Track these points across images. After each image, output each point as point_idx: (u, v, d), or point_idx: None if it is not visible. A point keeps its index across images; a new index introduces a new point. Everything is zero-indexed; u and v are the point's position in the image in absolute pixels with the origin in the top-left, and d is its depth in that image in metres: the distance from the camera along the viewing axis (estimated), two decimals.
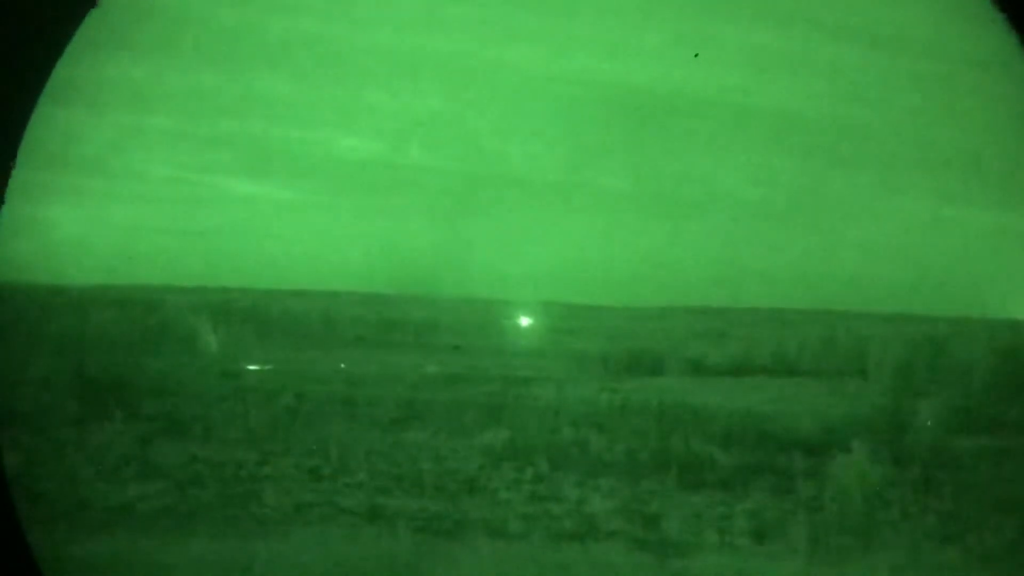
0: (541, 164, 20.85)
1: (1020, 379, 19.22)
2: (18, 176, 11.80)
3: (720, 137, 20.78)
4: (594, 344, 21.76)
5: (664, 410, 19.93)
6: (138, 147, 19.56)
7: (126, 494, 16.54)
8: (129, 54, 18.13)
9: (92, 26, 12.32)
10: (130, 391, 17.99)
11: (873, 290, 20.62)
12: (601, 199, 21.51)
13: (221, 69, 19.60)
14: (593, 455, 18.88)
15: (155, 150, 19.87)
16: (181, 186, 20.91)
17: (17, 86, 11.69)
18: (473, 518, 16.91)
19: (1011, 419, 19.14)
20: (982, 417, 19.35)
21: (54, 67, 11.99)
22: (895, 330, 21.44)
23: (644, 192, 21.48)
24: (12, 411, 17.23)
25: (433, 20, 20.29)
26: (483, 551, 16.31)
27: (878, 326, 21.89)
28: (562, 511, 17.80)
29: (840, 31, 20.02)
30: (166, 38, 18.86)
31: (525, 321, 21.07)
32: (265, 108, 20.00)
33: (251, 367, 19.29)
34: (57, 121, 16.64)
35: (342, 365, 19.47)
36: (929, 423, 19.24)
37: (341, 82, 20.25)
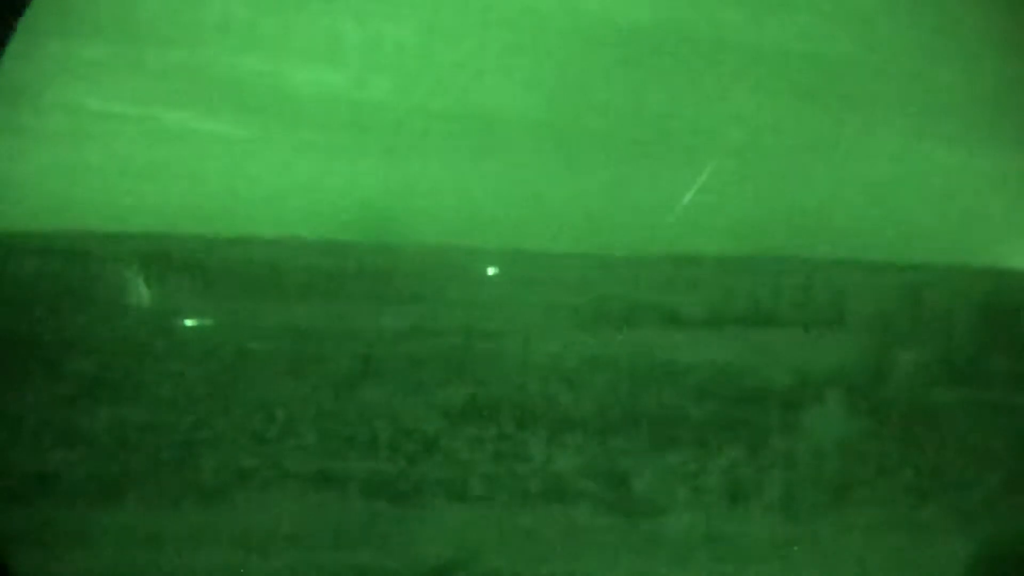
0: (511, 103, 20.19)
1: (1001, 329, 18.66)
2: None
3: (699, 78, 20.12)
4: (562, 294, 21.09)
5: (635, 363, 19.34)
6: (70, 78, 18.55)
7: (47, 461, 15.80)
8: None
9: None
10: (52, 349, 17.13)
11: (852, 237, 20.04)
12: (574, 141, 20.86)
13: None
14: (561, 412, 18.28)
15: (89, 81, 18.86)
16: (116, 122, 19.82)
17: None
18: (431, 480, 16.29)
19: (992, 370, 18.60)
20: (963, 368, 18.80)
21: None
22: (874, 279, 20.86)
23: (618, 134, 20.83)
24: None
25: None
26: (442, 515, 15.73)
27: (856, 274, 21.29)
28: (528, 471, 17.22)
29: None
30: None
31: (490, 270, 20.38)
32: (214, 35, 18.92)
33: (188, 322, 18.33)
34: None
35: (289, 318, 18.65)
36: (908, 374, 18.72)
37: (301, 8, 19.32)
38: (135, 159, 19.55)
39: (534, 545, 15.53)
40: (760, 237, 20.30)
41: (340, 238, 19.69)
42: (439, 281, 19.19)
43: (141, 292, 17.96)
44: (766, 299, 21.30)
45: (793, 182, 20.05)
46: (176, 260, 18.92)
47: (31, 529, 13.93)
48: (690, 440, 17.89)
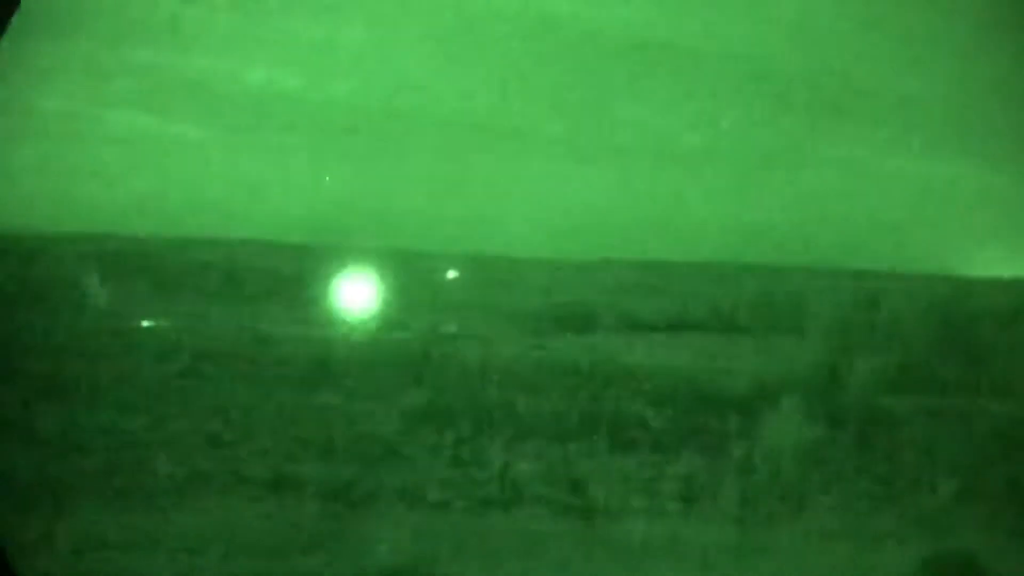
0: (471, 106, 20.16)
1: (958, 337, 18.77)
2: None
3: (658, 82, 20.16)
4: (522, 299, 21.11)
5: (595, 369, 19.39)
6: (26, 78, 18.46)
7: (0, 462, 15.69)
8: None
9: None
10: (5, 349, 17.03)
11: (810, 245, 20.10)
12: (533, 144, 20.86)
13: None
14: (519, 417, 18.31)
15: (41, 79, 18.77)
16: (69, 120, 19.71)
17: None
18: (389, 485, 16.28)
19: (949, 378, 18.71)
20: (919, 376, 18.90)
21: None
22: (832, 285, 20.95)
23: (578, 137, 20.84)
24: None
25: None
26: (399, 520, 15.75)
27: (815, 281, 21.37)
28: (485, 476, 17.24)
29: None
30: None
31: (450, 274, 20.40)
32: (169, 34, 18.84)
33: (144, 323, 18.23)
34: None
35: (247, 321, 18.60)
36: (865, 381, 18.81)
37: (257, 7, 19.27)
38: (91, 159, 19.47)
39: (491, 550, 15.56)
40: (719, 244, 20.38)
41: (299, 241, 19.68)
42: (398, 285, 19.15)
43: (97, 293, 17.87)
44: (725, 306, 21.37)
45: (752, 189, 20.13)
46: (133, 261, 18.83)
47: None
48: (647, 445, 17.93)
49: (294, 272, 19.48)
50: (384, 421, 17.45)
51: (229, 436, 16.69)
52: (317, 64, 19.88)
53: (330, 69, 19.74)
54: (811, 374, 19.37)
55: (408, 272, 19.66)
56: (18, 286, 18.02)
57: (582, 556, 15.39)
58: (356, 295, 19.36)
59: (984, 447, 17.57)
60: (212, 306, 18.80)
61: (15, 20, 17.74)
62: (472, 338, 19.40)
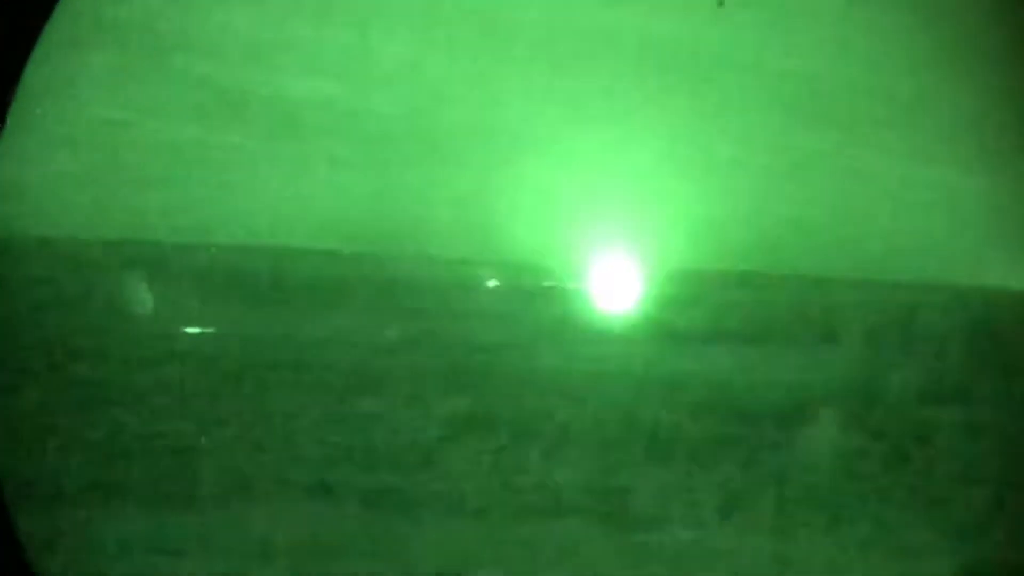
0: (506, 114, 20.35)
1: (993, 349, 18.83)
2: None
3: (691, 92, 20.35)
4: (561, 308, 21.23)
5: (632, 378, 19.49)
6: (74, 85, 18.72)
7: (47, 467, 15.79)
8: None
9: None
10: (52, 356, 17.15)
11: (846, 255, 20.22)
12: (569, 153, 21.04)
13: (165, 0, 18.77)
14: (559, 425, 18.44)
15: (91, 89, 19.01)
16: (117, 129, 19.88)
17: None
18: (429, 493, 16.31)
19: (984, 391, 18.73)
20: (954, 388, 18.93)
21: None
22: (867, 296, 21.00)
23: (611, 147, 21.02)
24: None
25: None
26: (439, 528, 15.89)
27: (851, 292, 21.41)
28: (525, 485, 17.32)
29: None
30: None
31: (491, 283, 20.54)
32: (213, 44, 19.11)
33: (189, 330, 18.28)
34: None
35: (290, 328, 18.70)
36: (900, 393, 18.88)
37: (301, 19, 19.58)
38: (133, 167, 19.66)
39: (530, 558, 15.72)
40: (754, 254, 20.52)
41: (341, 249, 19.81)
42: (439, 293, 19.29)
43: (142, 300, 18.01)
44: (761, 316, 21.42)
45: (787, 200, 20.28)
46: (177, 269, 18.93)
47: (29, 535, 14.06)
48: (685, 455, 18.03)
49: (337, 279, 19.56)
50: (425, 428, 17.52)
51: (272, 442, 16.74)
52: (355, 73, 20.14)
53: (368, 78, 19.98)
54: (847, 385, 19.38)
55: (448, 280, 19.81)
56: (61, 293, 18.17)
57: (620, 564, 15.55)
58: (397, 302, 19.52)
59: (1020, 458, 17.64)
60: (255, 313, 18.87)
61: (57, 28, 18.13)
62: (512, 347, 19.50)
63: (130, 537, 14.15)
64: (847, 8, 20.29)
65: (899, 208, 21.32)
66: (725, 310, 22.16)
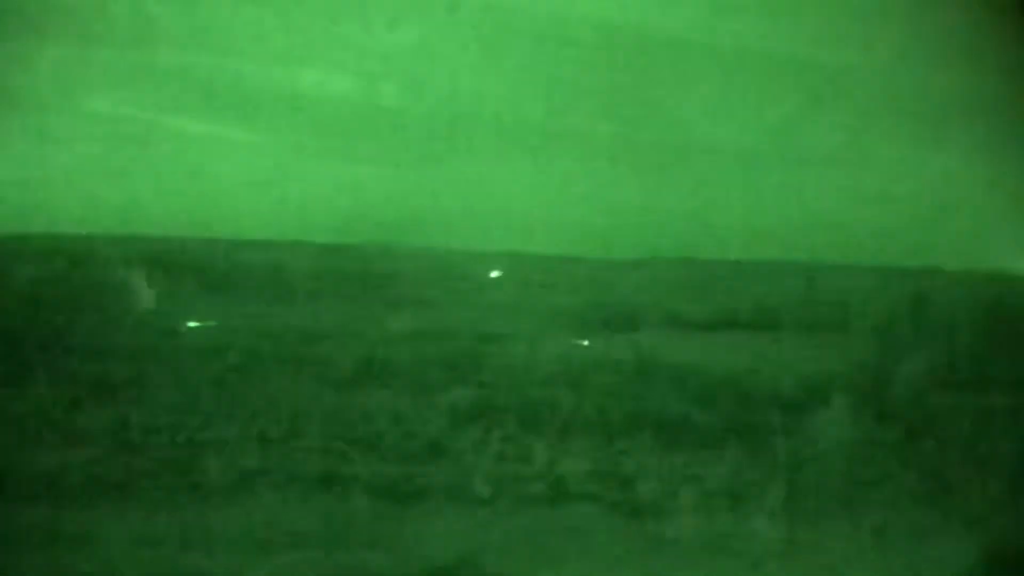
0: (518, 107, 20.17)
1: (1005, 334, 18.68)
2: None
3: (702, 81, 20.13)
4: (568, 298, 21.12)
5: (640, 367, 19.37)
6: (73, 81, 18.57)
7: (51, 462, 15.80)
8: None
9: None
10: (55, 351, 17.12)
11: (856, 241, 20.04)
12: (579, 145, 20.86)
13: None
14: (565, 414, 18.32)
15: (95, 84, 18.88)
16: (121, 124, 19.79)
17: None
18: (435, 482, 16.34)
19: (996, 375, 18.62)
20: (966, 373, 18.82)
21: None
22: (878, 283, 20.87)
23: (623, 137, 20.84)
24: None
25: None
26: (446, 517, 15.79)
27: (861, 278, 21.30)
28: (531, 473, 17.26)
29: None
30: None
31: (495, 274, 20.41)
32: (221, 38, 18.95)
33: (192, 323, 18.30)
34: None
35: (295, 320, 18.65)
36: (912, 379, 18.73)
37: (308, 12, 19.37)
38: (139, 162, 19.56)
39: (538, 547, 15.58)
40: (764, 242, 20.33)
41: (345, 241, 19.72)
42: (444, 284, 19.19)
43: (146, 294, 17.94)
44: (770, 304, 21.31)
45: (797, 188, 20.07)
46: (181, 262, 18.92)
47: (34, 529, 13.97)
48: (693, 443, 17.91)
49: (341, 272, 19.51)
50: (430, 418, 17.50)
51: (278, 434, 16.78)
52: (367, 68, 19.96)
53: (380, 73, 19.81)
54: (858, 372, 19.28)
55: (454, 271, 19.70)
56: (65, 288, 18.11)
57: (629, 552, 15.39)
58: (401, 294, 19.41)
59: None
60: (260, 306, 18.86)
61: (67, 24, 17.95)
62: (517, 336, 19.41)
63: (134, 532, 13.95)
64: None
65: (908, 195, 20.83)
66: (733, 298, 21.77)
